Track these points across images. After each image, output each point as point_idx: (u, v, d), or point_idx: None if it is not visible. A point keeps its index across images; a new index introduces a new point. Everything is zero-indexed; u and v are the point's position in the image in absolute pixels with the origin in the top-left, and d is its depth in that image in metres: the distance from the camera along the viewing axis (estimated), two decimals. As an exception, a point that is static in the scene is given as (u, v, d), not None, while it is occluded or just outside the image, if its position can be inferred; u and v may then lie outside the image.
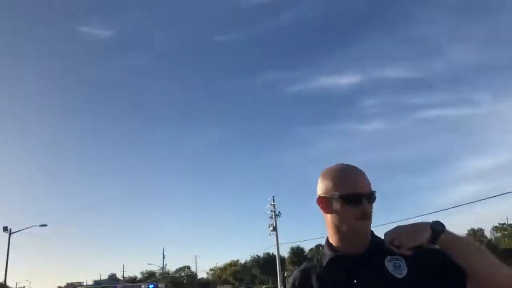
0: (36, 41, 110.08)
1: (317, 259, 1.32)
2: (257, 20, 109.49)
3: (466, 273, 1.08)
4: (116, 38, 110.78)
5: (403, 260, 1.15)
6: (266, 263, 72.73)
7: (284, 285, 45.12)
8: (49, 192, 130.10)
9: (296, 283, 1.32)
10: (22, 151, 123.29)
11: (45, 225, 37.12)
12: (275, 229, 41.10)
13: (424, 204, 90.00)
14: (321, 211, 1.30)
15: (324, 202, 1.27)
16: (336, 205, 1.22)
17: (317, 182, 1.32)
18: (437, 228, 1.08)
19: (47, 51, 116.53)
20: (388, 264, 1.16)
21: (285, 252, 69.49)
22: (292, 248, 68.95)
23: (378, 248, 1.19)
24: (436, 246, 1.11)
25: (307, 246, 73.84)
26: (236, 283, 77.66)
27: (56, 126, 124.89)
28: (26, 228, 37.28)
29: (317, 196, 1.29)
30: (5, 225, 36.30)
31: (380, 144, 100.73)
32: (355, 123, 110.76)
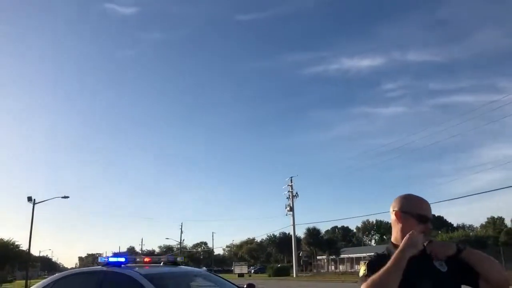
0: (67, 18, 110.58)
1: (387, 252, 1.94)
2: (279, 0, 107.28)
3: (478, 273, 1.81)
4: (139, 15, 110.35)
5: (444, 263, 1.88)
6: (282, 243, 73.29)
7: (299, 264, 45.57)
8: (73, 163, 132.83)
9: (371, 265, 1.85)
10: (47, 125, 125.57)
11: (67, 197, 38.06)
12: (292, 209, 41.23)
13: (443, 191, 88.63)
14: (396, 221, 1.99)
15: (401, 216, 1.97)
16: (411, 220, 1.94)
17: (395, 197, 2.04)
18: (460, 247, 1.85)
19: (78, 29, 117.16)
20: (436, 263, 1.88)
21: (301, 233, 69.80)
22: (308, 229, 69.11)
23: (426, 254, 1.87)
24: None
25: (323, 228, 74.05)
26: (252, 261, 78.54)
27: (83, 99, 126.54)
28: (49, 199, 38.36)
29: (396, 210, 1.99)
30: (29, 195, 37.44)
31: (399, 129, 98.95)
32: (374, 106, 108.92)
